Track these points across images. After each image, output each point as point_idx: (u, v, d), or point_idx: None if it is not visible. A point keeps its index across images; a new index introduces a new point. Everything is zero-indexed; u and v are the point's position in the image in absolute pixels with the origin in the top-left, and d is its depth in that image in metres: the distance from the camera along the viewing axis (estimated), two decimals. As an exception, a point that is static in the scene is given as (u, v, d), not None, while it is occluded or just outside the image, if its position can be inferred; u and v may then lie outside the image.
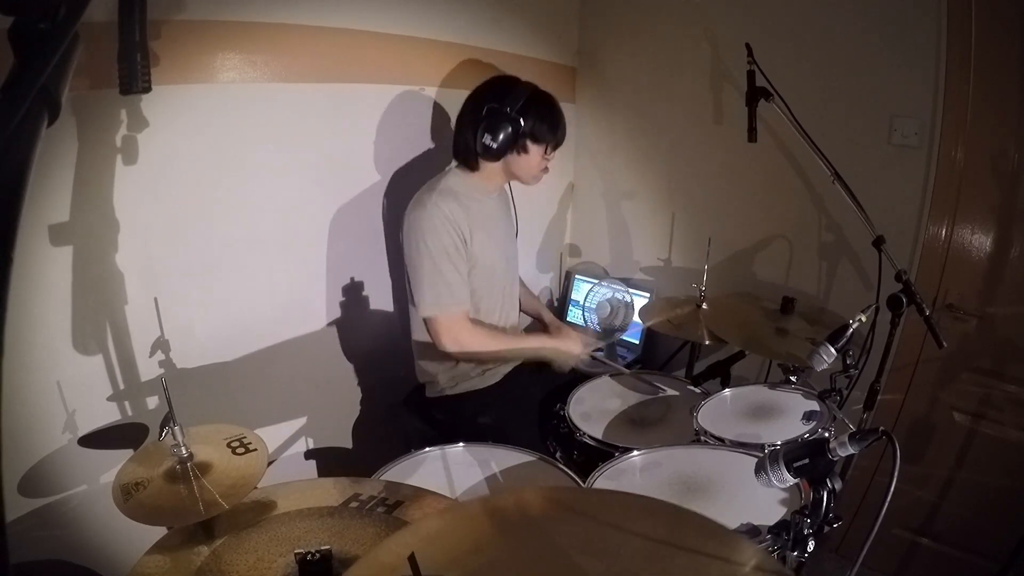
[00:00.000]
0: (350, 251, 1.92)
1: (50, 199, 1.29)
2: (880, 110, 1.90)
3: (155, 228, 1.46)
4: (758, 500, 1.13)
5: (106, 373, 1.44)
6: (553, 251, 2.73)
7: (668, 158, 2.41)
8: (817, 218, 2.09)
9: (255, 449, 1.06)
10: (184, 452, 1.00)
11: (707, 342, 1.89)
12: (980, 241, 1.83)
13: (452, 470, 1.35)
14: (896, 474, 0.80)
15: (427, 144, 2.05)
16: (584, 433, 1.53)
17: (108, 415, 1.46)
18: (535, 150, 1.66)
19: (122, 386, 1.47)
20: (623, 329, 2.21)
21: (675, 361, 2.34)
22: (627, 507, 0.92)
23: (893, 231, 1.69)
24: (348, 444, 2.10)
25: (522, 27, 2.26)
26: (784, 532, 0.95)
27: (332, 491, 1.09)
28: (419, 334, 1.73)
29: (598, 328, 2.23)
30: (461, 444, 1.42)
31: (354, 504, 1.05)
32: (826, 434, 1.33)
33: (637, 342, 2.46)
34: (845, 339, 1.38)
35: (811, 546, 0.95)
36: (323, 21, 1.66)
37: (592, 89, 2.54)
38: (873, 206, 1.64)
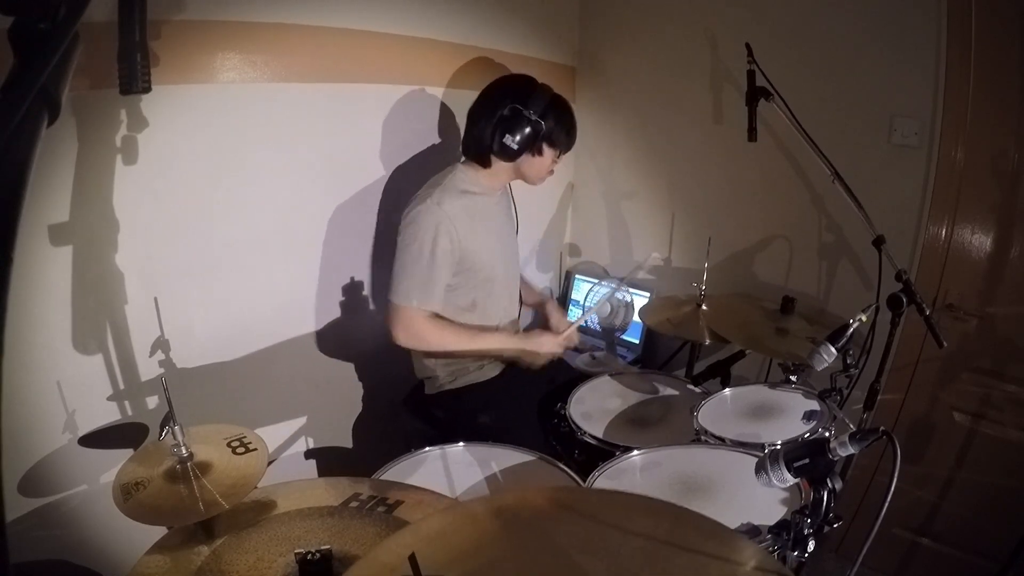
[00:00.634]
0: (350, 251, 1.92)
1: (50, 199, 1.29)
2: (880, 110, 1.90)
3: (155, 228, 1.46)
4: (758, 500, 1.13)
5: (106, 373, 1.44)
6: (553, 251, 2.73)
7: (668, 158, 2.41)
8: (817, 218, 2.09)
9: (255, 449, 1.06)
10: (184, 452, 1.00)
11: (707, 342, 1.89)
12: (980, 241, 1.83)
13: (452, 470, 1.35)
14: (896, 474, 0.80)
15: (427, 144, 2.05)
16: (585, 432, 1.53)
17: (108, 415, 1.46)
18: (549, 153, 1.68)
19: (122, 386, 1.47)
20: (623, 329, 2.22)
21: (675, 361, 2.34)
22: (627, 507, 0.92)
23: (893, 231, 1.69)
24: (348, 444, 2.10)
25: (522, 27, 2.26)
26: (784, 532, 0.95)
27: (332, 491, 1.09)
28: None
29: (598, 328, 2.23)
30: (461, 444, 1.42)
31: (354, 504, 1.05)
32: (826, 434, 1.32)
33: (637, 342, 2.46)
34: (845, 339, 1.38)
35: (811, 546, 0.95)
36: (323, 21, 1.66)
37: (592, 89, 2.54)
38: (873, 206, 1.64)
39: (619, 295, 2.19)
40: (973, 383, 1.89)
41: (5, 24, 0.46)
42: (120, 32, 1.03)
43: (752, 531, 0.98)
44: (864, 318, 1.37)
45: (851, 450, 0.90)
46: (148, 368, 1.50)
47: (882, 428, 0.86)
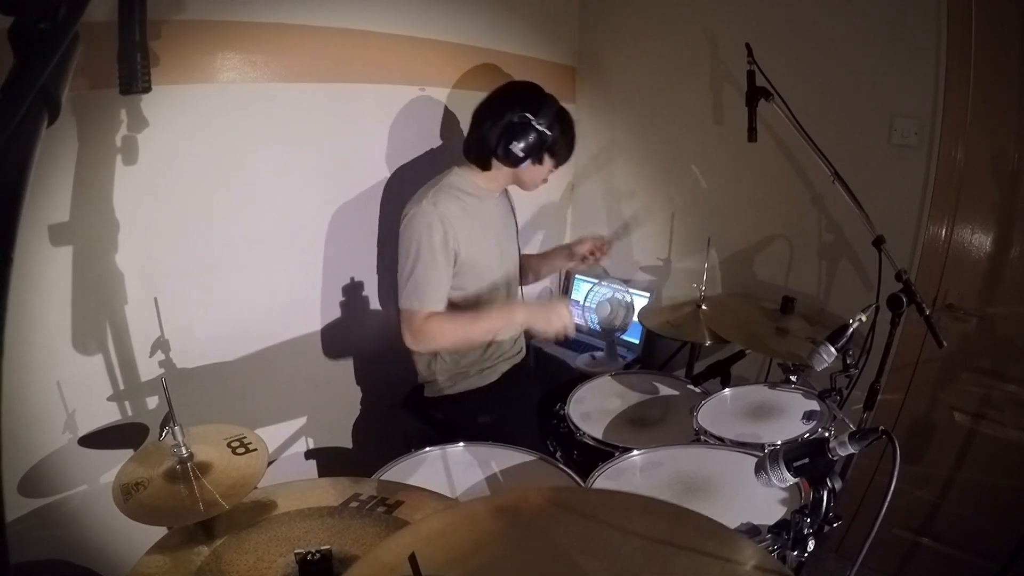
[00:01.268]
0: (350, 251, 1.92)
1: (50, 199, 1.29)
2: (880, 110, 1.90)
3: (155, 228, 1.46)
4: (758, 500, 1.13)
5: (106, 373, 1.44)
6: (553, 251, 2.72)
7: (668, 158, 2.41)
8: (817, 218, 2.09)
9: (255, 449, 1.06)
10: (184, 452, 1.00)
11: (707, 342, 1.89)
12: (980, 241, 1.83)
13: (452, 470, 1.35)
14: (896, 474, 0.80)
15: (427, 144, 2.05)
16: (584, 433, 1.53)
17: (108, 415, 1.46)
18: (548, 163, 1.69)
19: (122, 386, 1.47)
20: (623, 329, 2.22)
21: (675, 361, 2.34)
22: (627, 507, 0.92)
23: (893, 231, 1.68)
24: (348, 444, 2.10)
25: (522, 27, 2.26)
26: (784, 532, 0.96)
27: (332, 491, 1.09)
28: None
29: (598, 328, 2.23)
30: (461, 444, 1.42)
31: (354, 504, 1.05)
32: (826, 434, 1.32)
33: (637, 342, 2.46)
34: (845, 339, 1.38)
35: (811, 546, 0.95)
36: (323, 21, 1.66)
37: (592, 89, 2.54)
38: (873, 206, 1.64)
39: (619, 296, 2.19)
40: (973, 383, 1.89)
41: (5, 24, 0.45)
42: (120, 32, 1.03)
43: (752, 531, 0.98)
44: (864, 318, 1.37)
45: (851, 450, 0.90)
46: (148, 368, 1.50)
47: (882, 428, 0.86)
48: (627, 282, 2.34)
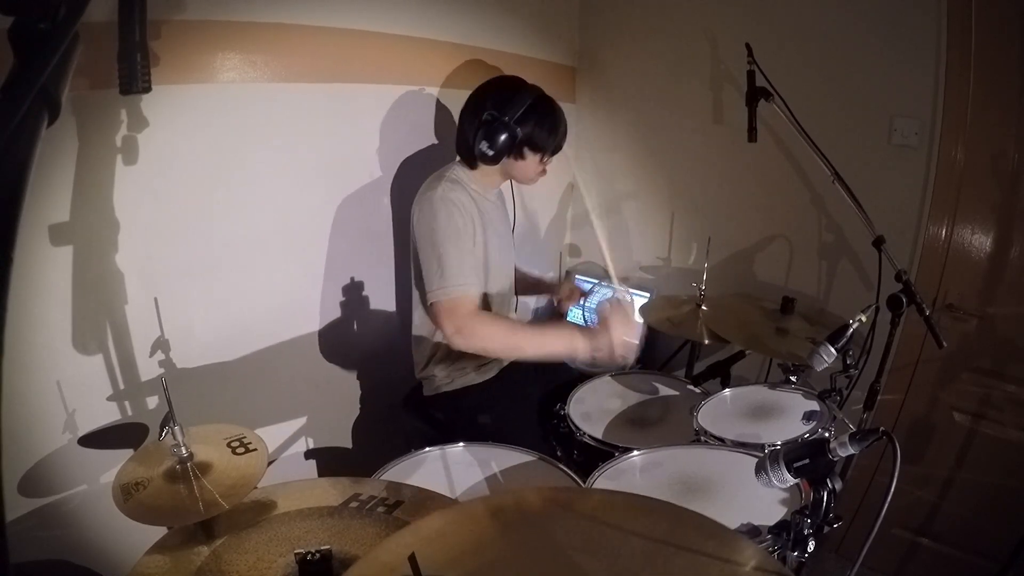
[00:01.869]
0: (350, 251, 1.92)
1: (50, 199, 1.28)
2: (880, 110, 1.90)
3: (155, 228, 1.46)
4: (758, 500, 1.13)
5: (106, 373, 1.44)
6: (553, 251, 2.73)
7: (668, 158, 2.41)
8: (817, 218, 2.09)
9: (255, 449, 1.06)
10: (184, 452, 0.99)
11: (707, 342, 1.89)
12: (980, 241, 1.83)
13: (452, 470, 1.35)
14: (896, 474, 0.80)
15: (427, 144, 2.05)
16: (584, 433, 1.53)
17: (108, 415, 1.46)
18: (532, 156, 1.66)
19: (122, 386, 1.47)
20: (623, 329, 2.21)
21: (675, 361, 2.34)
22: (627, 507, 0.92)
23: (893, 231, 1.69)
24: (348, 444, 2.10)
25: (522, 27, 2.26)
26: (784, 532, 0.96)
27: (332, 491, 1.09)
28: (419, 329, 1.74)
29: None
30: (461, 444, 1.42)
31: (354, 504, 1.05)
32: (826, 434, 1.33)
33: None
34: (845, 339, 1.38)
35: (811, 546, 0.95)
36: (323, 21, 1.66)
37: (592, 89, 2.54)
38: (873, 206, 1.64)
39: (619, 296, 2.19)
40: (973, 383, 1.89)
41: (5, 24, 0.45)
42: (120, 32, 1.03)
43: (752, 531, 0.98)
44: (864, 318, 1.37)
45: (851, 450, 0.90)
46: (148, 368, 1.50)
47: (882, 428, 0.86)
48: (626, 281, 2.34)
